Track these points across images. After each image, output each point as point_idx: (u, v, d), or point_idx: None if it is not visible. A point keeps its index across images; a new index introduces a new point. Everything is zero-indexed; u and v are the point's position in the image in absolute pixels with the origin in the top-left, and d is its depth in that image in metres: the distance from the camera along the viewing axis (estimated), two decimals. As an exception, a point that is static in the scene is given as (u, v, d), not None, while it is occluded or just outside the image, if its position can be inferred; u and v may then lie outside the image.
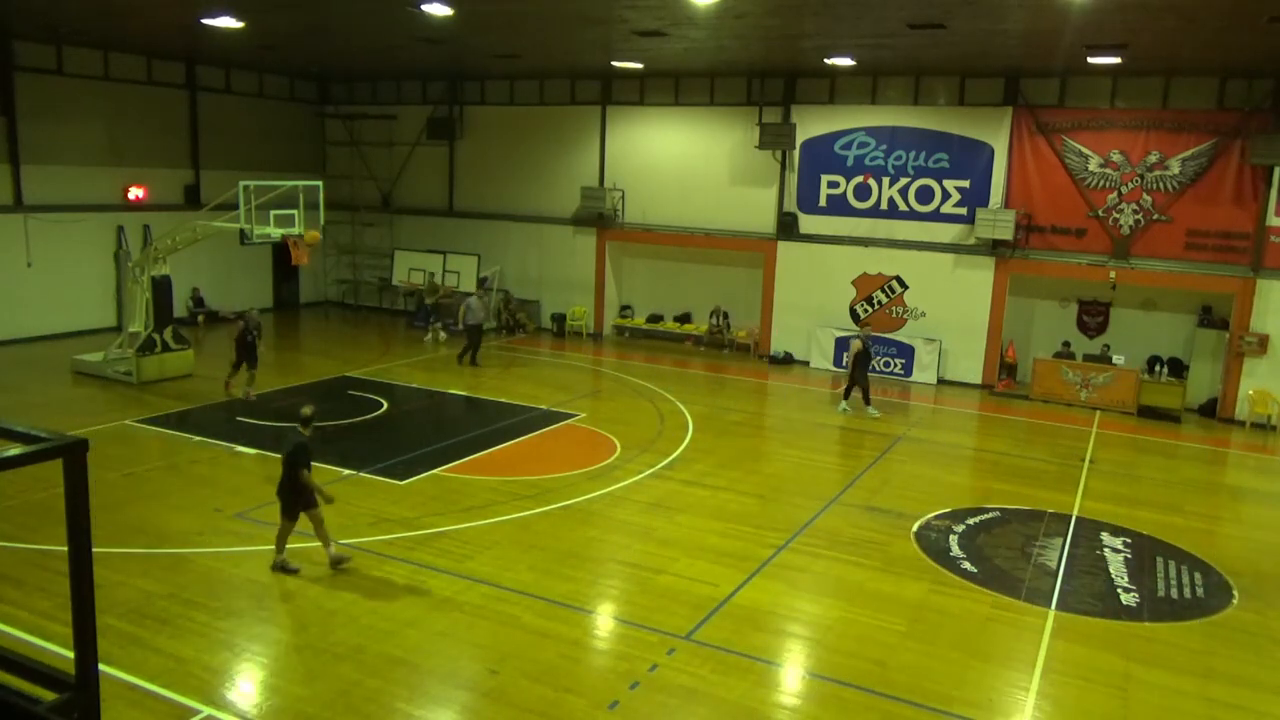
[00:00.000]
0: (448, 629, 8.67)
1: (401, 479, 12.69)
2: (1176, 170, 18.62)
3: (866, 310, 21.67)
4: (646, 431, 15.71)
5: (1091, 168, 19.29)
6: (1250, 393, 18.30)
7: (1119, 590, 10.26)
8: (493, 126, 25.55)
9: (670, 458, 14.26)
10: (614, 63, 20.49)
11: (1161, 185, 18.78)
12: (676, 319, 24.24)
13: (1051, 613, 9.62)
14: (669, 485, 13.01)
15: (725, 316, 23.45)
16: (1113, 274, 19.21)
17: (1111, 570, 10.78)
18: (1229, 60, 16.73)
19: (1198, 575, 10.83)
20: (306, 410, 9.82)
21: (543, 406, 16.92)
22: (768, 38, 16.54)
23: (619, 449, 14.51)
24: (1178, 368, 19.33)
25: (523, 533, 11.05)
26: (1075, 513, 12.70)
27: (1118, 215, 19.20)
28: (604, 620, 9.18)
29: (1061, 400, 19.19)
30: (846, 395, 17.98)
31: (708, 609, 9.24)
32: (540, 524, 11.36)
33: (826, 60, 18.68)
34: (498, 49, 19.60)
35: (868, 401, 17.63)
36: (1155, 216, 18.89)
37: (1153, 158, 18.76)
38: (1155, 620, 9.60)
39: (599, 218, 23.98)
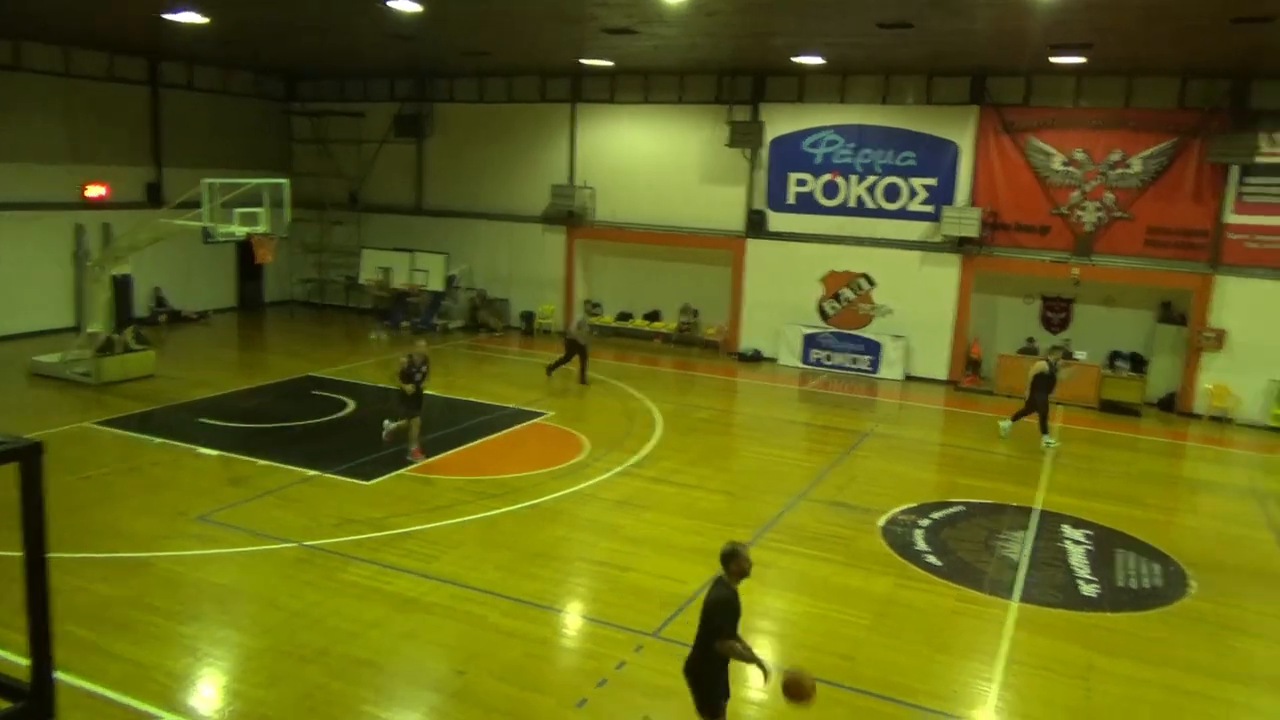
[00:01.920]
0: (414, 630, 8.63)
1: (368, 479, 12.61)
2: (1138, 169, 18.91)
3: (835, 308, 21.82)
4: (615, 429, 15.72)
5: (1055, 166, 19.54)
6: (1208, 387, 18.65)
7: (1080, 581, 10.42)
8: (462, 124, 25.42)
9: (639, 455, 14.28)
10: (584, 60, 20.46)
11: (1124, 183, 19.06)
12: (646, 317, 24.26)
13: (1015, 605, 9.76)
14: (637, 483, 13.03)
15: (694, 314, 23.51)
16: (1076, 270, 19.48)
17: (1073, 562, 10.95)
18: (1190, 61, 17.01)
19: (1156, 566, 11.02)
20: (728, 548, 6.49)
21: (511, 405, 16.88)
22: (737, 36, 16.59)
23: (587, 447, 14.51)
24: (1138, 363, 19.64)
25: (490, 532, 11.02)
26: (1038, 506, 12.88)
27: (1081, 213, 19.47)
28: (572, 619, 9.19)
29: (1025, 395, 19.37)
30: (1016, 417, 16.28)
31: (676, 606, 9.26)
32: (508, 523, 11.34)
33: (795, 59, 18.77)
34: (467, 46, 19.51)
35: (1044, 430, 15.91)
36: (1117, 214, 19.17)
37: (1115, 156, 19.04)
38: (1115, 610, 9.77)
39: (569, 216, 23.94)
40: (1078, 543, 11.56)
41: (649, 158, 23.29)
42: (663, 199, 23.08)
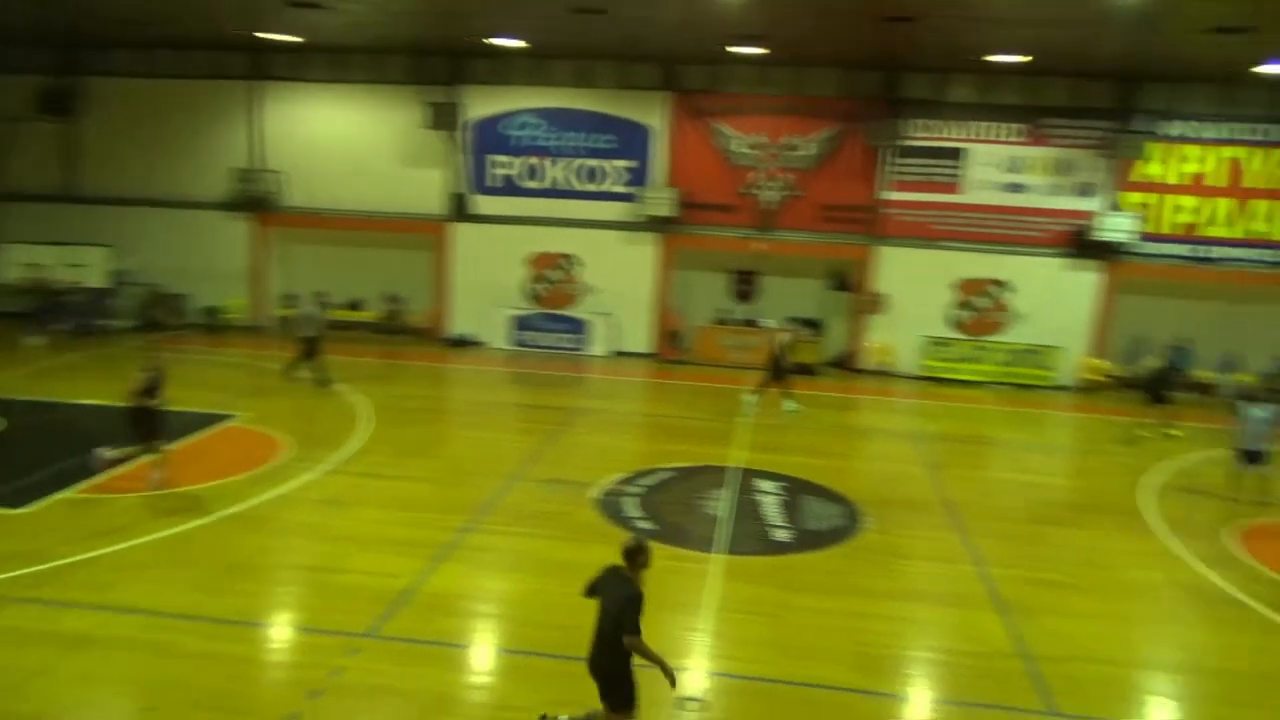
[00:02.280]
0: (88, 670, 7.67)
1: (22, 506, 11.02)
2: (810, 151, 20.78)
3: (542, 289, 22.09)
4: (318, 425, 14.92)
5: (739, 148, 20.99)
6: (873, 345, 21.05)
7: (774, 529, 11.36)
8: (125, 101, 22.73)
9: (346, 451, 13.64)
10: (265, 34, 19.02)
11: (798, 164, 20.87)
12: (348, 306, 23.17)
13: (720, 557, 10.43)
14: (345, 480, 12.45)
15: (400, 301, 22.78)
16: (760, 245, 21.09)
17: (766, 512, 11.91)
18: (850, 54, 18.96)
19: (837, 507, 12.26)
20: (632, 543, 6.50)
21: (194, 409, 15.44)
22: (432, 14, 16.20)
23: (288, 447, 13.63)
24: (815, 326, 21.68)
25: (181, 549, 10.04)
26: (736, 464, 13.86)
27: (762, 191, 21.08)
28: (278, 631, 8.61)
29: (720, 363, 20.86)
30: (786, 394, 16.90)
31: (391, 602, 8.97)
32: (201, 537, 10.39)
33: (493, 40, 18.65)
34: (123, 12, 17.44)
35: (786, 396, 16.99)
36: (793, 192, 20.96)
37: (790, 139, 20.79)
38: (804, 551, 10.75)
39: (256, 202, 22.27)
40: (771, 494, 12.59)
41: (344, 140, 22.21)
42: (361, 183, 22.12)
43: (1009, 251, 20.48)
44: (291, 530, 10.77)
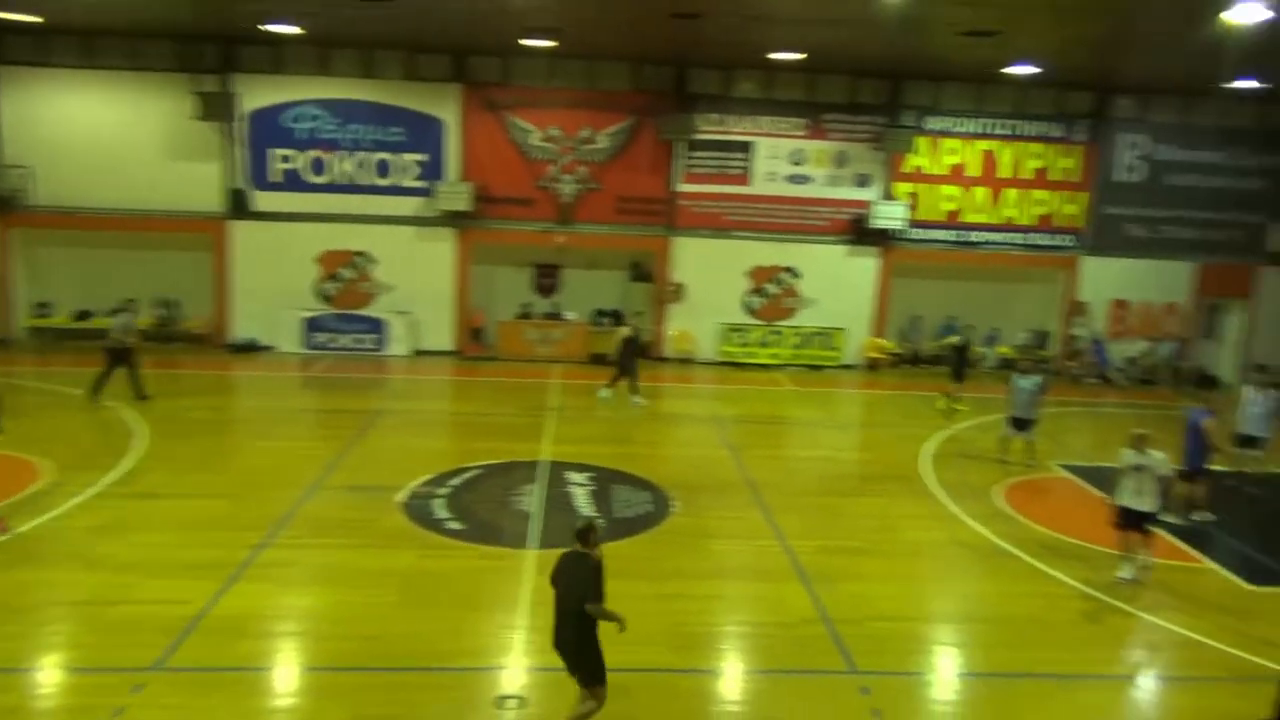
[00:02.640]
0: None
1: None
2: (605, 144, 20.95)
3: (334, 288, 21.09)
4: (84, 445, 13.56)
5: (534, 141, 20.86)
6: (674, 333, 21.57)
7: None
8: None
9: (119, 471, 12.45)
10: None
11: (594, 157, 21.00)
12: (112, 313, 21.14)
13: (533, 552, 10.33)
14: (120, 503, 11.37)
15: (173, 306, 21.08)
16: (561, 238, 21.09)
17: (578, 503, 11.92)
18: (641, 48, 19.25)
19: (646, 494, 12.45)
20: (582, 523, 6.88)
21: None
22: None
23: (49, 471, 12.28)
24: (619, 318, 21.92)
25: (-82, 594, 8.82)
26: (546, 458, 13.79)
27: (559, 185, 21.07)
28: (48, 675, 7.72)
29: (525, 357, 20.72)
30: (612, 383, 17.13)
31: (180, 630, 8.25)
32: (-55, 578, 9.17)
33: (267, 26, 17.54)
34: None
35: (634, 391, 17.09)
36: (591, 185, 21.09)
37: (585, 133, 20.87)
38: (616, 539, 10.81)
39: (-3, 201, 19.94)
40: (582, 485, 12.61)
41: (102, 132, 20.22)
42: (123, 179, 20.23)
43: (796, 240, 21.56)
44: (58, 562, 9.70)
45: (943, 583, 10.52)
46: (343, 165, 20.71)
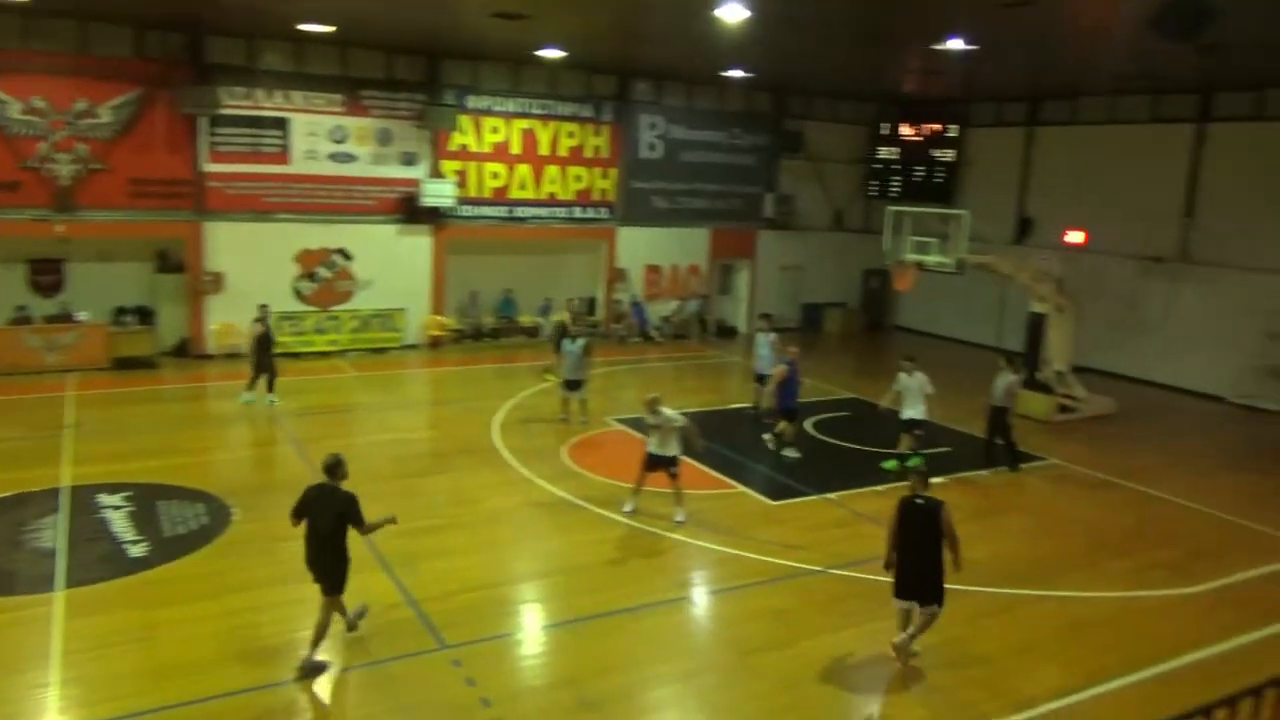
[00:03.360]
0: None
1: None
2: (109, 118, 18.21)
3: None
4: None
5: (15, 115, 17.51)
6: (215, 327, 19.63)
7: (126, 546, 9.98)
8: None
9: None
10: None
11: (96, 134, 18.17)
12: None
13: (60, 594, 8.81)
14: None
15: None
16: (60, 228, 18.04)
17: (116, 529, 10.41)
18: (142, 11, 16.94)
19: (200, 506, 11.24)
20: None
21: None
22: None
23: None
24: (145, 314, 19.43)
25: None
26: (67, 483, 11.81)
27: (54, 165, 17.96)
28: None
29: (28, 369, 17.51)
30: (252, 384, 16.03)
31: None
32: None
33: None
34: None
35: (270, 389, 16.14)
36: (95, 166, 18.25)
37: (81, 105, 17.94)
38: (167, 562, 9.65)
39: None
40: (118, 508, 11.01)
41: None
42: None
43: (346, 220, 20.72)
44: None
45: (521, 545, 10.91)
46: None
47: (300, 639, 8.16)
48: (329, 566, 7.83)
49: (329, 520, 7.73)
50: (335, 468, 7.89)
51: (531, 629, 8.97)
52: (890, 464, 13.84)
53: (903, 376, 13.66)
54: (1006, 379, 14.25)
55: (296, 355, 20.10)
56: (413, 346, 21.66)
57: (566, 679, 7.86)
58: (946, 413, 15.93)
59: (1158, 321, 20.99)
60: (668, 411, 11.48)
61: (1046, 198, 23.52)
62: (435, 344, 21.80)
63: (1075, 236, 21.86)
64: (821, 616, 9.19)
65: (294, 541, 10.32)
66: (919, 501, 8.13)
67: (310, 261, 20.57)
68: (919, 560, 8.06)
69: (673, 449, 11.39)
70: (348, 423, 16.09)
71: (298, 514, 7.92)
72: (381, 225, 21.10)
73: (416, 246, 21.53)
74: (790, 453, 14.42)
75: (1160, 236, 20.66)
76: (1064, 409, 17.31)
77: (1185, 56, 14.63)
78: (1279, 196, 18.83)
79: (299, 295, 20.55)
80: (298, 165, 20.03)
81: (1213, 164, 20.07)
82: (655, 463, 11.45)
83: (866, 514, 12.06)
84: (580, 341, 15.71)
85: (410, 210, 21.18)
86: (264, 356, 16.04)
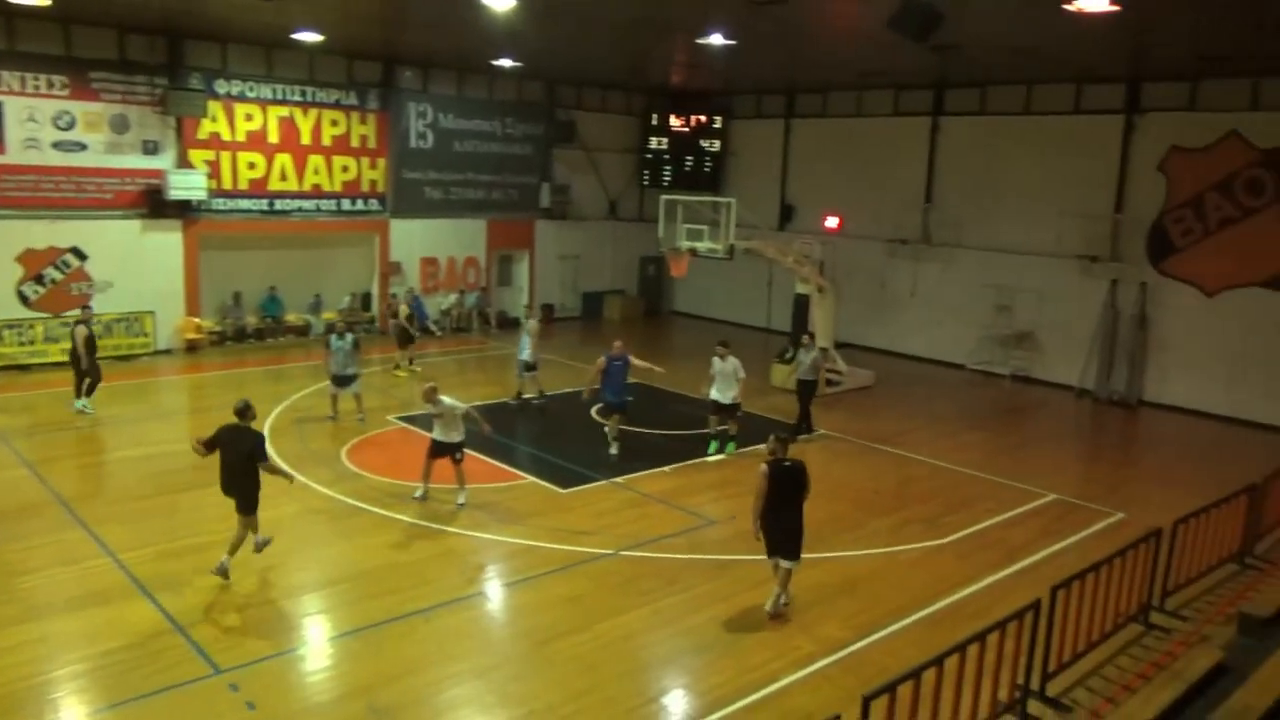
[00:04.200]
0: None
1: None
2: None
3: None
4: None
5: None
6: (-75, 341, 17.12)
7: None
8: None
9: None
10: None
11: None
12: None
13: None
14: None
15: None
16: None
17: None
18: None
19: (-88, 544, 9.78)
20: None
21: None
22: None
23: None
24: None
25: None
26: None
27: None
28: None
29: None
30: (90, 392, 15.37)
31: None
32: None
33: None
34: None
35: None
36: None
37: None
38: (-128, 612, 8.33)
39: None
40: None
41: None
42: None
43: (78, 216, 18.64)
44: None
45: (301, 554, 10.29)
46: None
47: (47, 683, 7.31)
48: (243, 490, 9.16)
49: (240, 456, 9.06)
50: (245, 410, 9.16)
51: (316, 642, 8.47)
52: (713, 448, 14.16)
53: (716, 361, 14.01)
54: (812, 354, 15.50)
55: (25, 368, 17.96)
56: (166, 352, 19.91)
57: (356, 689, 7.50)
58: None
59: (906, 299, 22.91)
60: (447, 399, 11.55)
61: (805, 185, 25.03)
62: (192, 348, 20.15)
63: (832, 222, 23.39)
64: (615, 598, 9.31)
65: (34, 575, 9.29)
66: (786, 464, 8.81)
67: (36, 263, 18.38)
68: (788, 518, 8.79)
69: (456, 435, 11.49)
70: (93, 439, 14.53)
71: (209, 445, 9.15)
72: (122, 221, 19.19)
73: (165, 243, 19.76)
74: (615, 449, 14.06)
75: (906, 221, 22.52)
76: (829, 383, 18.50)
77: (922, 54, 15.95)
78: (1003, 183, 21.02)
79: (24, 300, 18.32)
80: (14, 155, 17.82)
81: (947, 154, 22.11)
82: (440, 449, 11.51)
83: (654, 495, 12.35)
84: (349, 336, 15.17)
85: (156, 204, 19.40)
86: (91, 360, 15.05)
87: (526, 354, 16.32)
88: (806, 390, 15.43)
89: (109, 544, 10.04)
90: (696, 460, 13.89)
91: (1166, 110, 18.49)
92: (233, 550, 9.20)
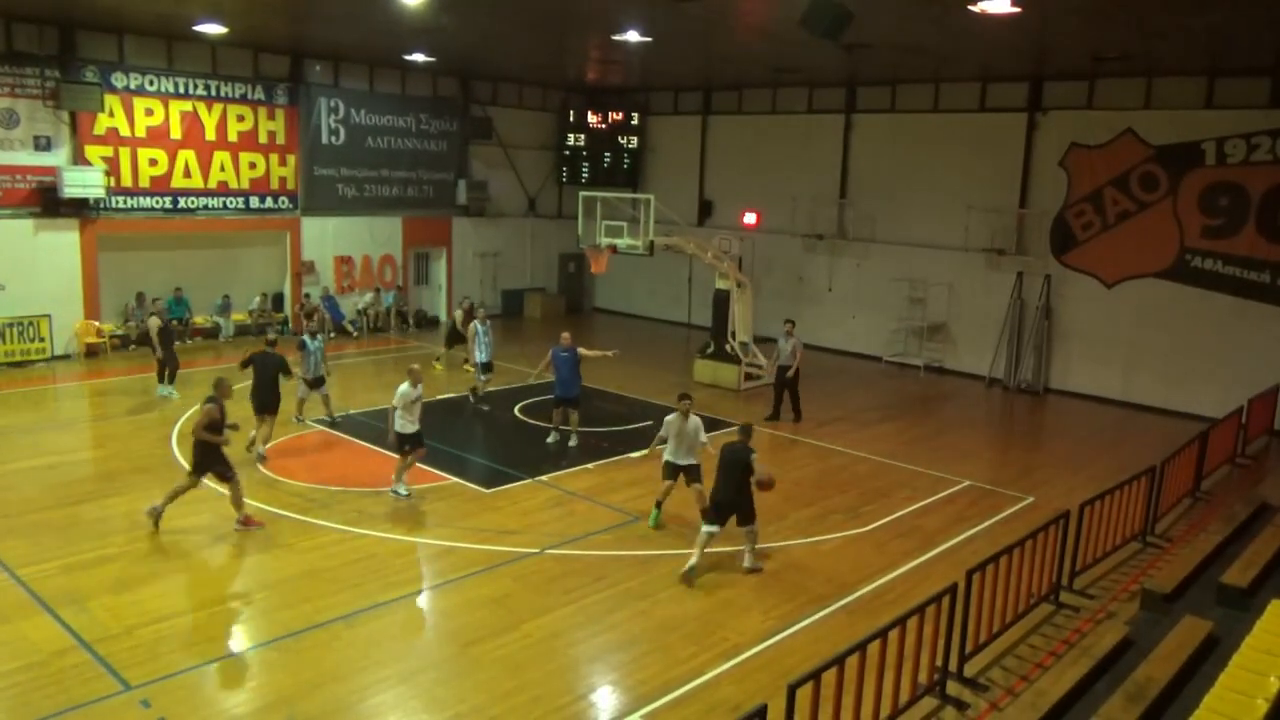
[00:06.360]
0: None
1: None
2: None
3: None
4: None
5: None
6: None
7: None
8: None
9: None
10: None
11: None
12: None
13: None
14: None
15: None
16: None
17: None
18: None
19: None
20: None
21: None
22: None
23: None
24: None
25: None
26: None
27: None
28: None
29: None
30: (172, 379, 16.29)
31: None
32: None
33: None
34: None
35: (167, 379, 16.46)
36: None
37: None
38: None
39: None
40: None
41: None
42: None
43: (-35, 216, 17.72)
44: None
45: (216, 565, 9.96)
46: None
47: None
48: (270, 402, 12.78)
49: (271, 372, 12.84)
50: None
51: (234, 653, 8.20)
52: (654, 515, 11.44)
53: (674, 419, 11.04)
54: (792, 341, 16.21)
55: (-91, 376, 16.97)
56: (64, 357, 19.02)
57: (277, 700, 7.28)
58: (645, 388, 16.70)
59: (823, 293, 23.32)
60: (402, 387, 11.79)
61: (724, 182, 25.25)
62: (92, 353, 19.29)
63: (750, 218, 23.65)
64: (540, 597, 9.25)
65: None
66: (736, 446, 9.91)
67: (-80, 265, 17.37)
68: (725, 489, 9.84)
69: (410, 426, 11.75)
70: (-15, 450, 13.78)
71: (245, 364, 12.97)
72: (12, 220, 18.24)
73: (60, 244, 18.86)
74: (552, 438, 14.50)
75: (822, 216, 22.91)
76: (749, 377, 18.71)
77: (834, 52, 16.23)
78: (914, 179, 21.55)
79: (-94, 305, 17.30)
80: (-106, 151, 16.80)
81: (860, 151, 22.56)
82: (403, 441, 11.84)
83: (579, 493, 12.31)
84: (321, 338, 15.37)
85: (49, 203, 18.51)
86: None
87: (484, 354, 16.62)
88: (784, 375, 16.24)
89: (7, 560, 9.54)
90: (619, 457, 13.90)
91: (1066, 109, 19.22)
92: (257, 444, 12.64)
